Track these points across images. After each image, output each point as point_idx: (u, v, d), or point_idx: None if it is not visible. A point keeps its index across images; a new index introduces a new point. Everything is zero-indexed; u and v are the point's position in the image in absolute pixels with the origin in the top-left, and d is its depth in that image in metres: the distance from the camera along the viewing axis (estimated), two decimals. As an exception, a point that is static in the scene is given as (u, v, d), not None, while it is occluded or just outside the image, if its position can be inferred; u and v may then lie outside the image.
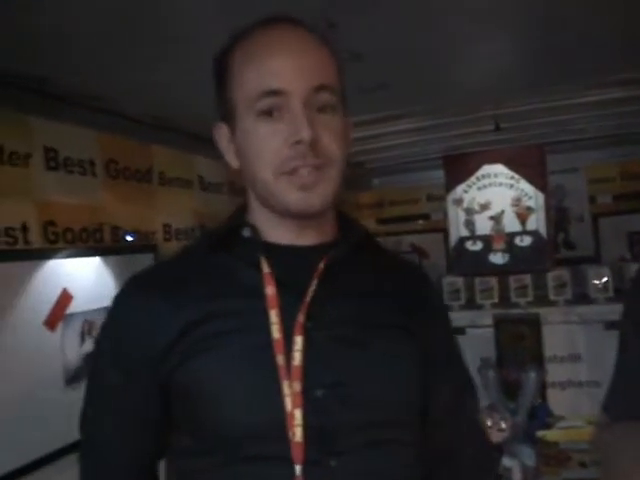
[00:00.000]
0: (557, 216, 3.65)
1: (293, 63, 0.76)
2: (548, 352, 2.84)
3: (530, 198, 2.91)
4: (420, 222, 4.38)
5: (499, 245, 2.97)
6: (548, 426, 2.30)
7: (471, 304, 3.78)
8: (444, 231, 4.18)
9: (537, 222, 2.90)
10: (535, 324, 2.72)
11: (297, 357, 0.74)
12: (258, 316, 0.76)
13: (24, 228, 1.64)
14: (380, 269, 0.87)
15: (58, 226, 1.76)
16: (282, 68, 0.76)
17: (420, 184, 4.30)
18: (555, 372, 3.28)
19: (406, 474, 0.80)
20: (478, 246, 3.03)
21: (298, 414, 0.72)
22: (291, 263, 0.80)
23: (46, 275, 1.68)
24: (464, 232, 3.05)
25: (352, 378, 0.76)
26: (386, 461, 0.78)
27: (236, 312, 0.77)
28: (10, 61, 1.45)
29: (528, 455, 1.71)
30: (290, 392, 0.73)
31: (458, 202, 3.05)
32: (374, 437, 0.77)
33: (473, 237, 3.03)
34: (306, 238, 0.81)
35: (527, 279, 3.53)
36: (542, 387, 2.48)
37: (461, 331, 3.70)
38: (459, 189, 3.04)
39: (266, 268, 0.78)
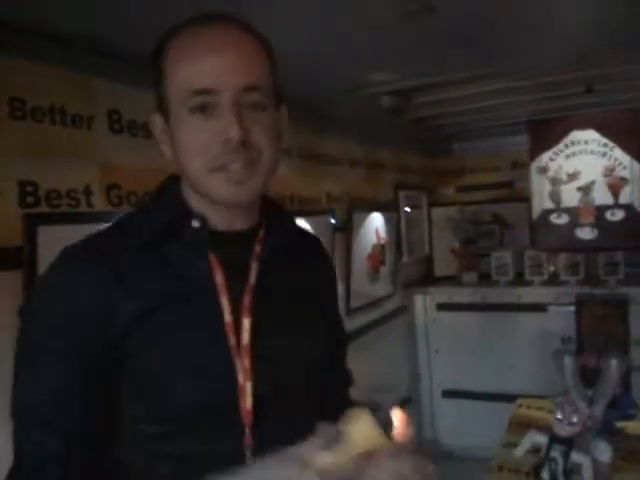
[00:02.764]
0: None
1: (223, 62, 0.80)
2: (634, 335, 2.61)
3: (625, 168, 2.63)
4: (503, 190, 4.14)
5: (587, 219, 2.73)
6: (630, 417, 2.12)
7: (554, 280, 3.57)
8: (529, 201, 3.94)
9: (631, 195, 2.63)
10: (622, 305, 2.50)
11: (245, 337, 0.85)
12: (210, 302, 0.85)
13: (87, 191, 1.65)
14: (297, 246, 0.98)
15: (122, 189, 1.77)
16: (212, 67, 0.80)
17: (504, 150, 4.05)
18: (641, 358, 3.04)
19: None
20: (564, 219, 2.80)
21: (249, 386, 0.84)
22: (231, 248, 0.88)
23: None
24: (548, 204, 2.83)
25: (289, 352, 0.89)
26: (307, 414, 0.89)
27: (189, 300, 0.84)
28: (66, 21, 1.43)
29: (602, 450, 1.57)
30: (241, 368, 0.84)
31: (543, 171, 2.82)
32: (301, 399, 0.91)
33: (558, 210, 2.80)
34: (239, 223, 0.90)
35: (618, 255, 3.27)
36: (627, 375, 2.29)
37: (542, 308, 3.51)
38: (544, 157, 2.81)
39: (214, 257, 0.86)
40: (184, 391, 0.81)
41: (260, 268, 0.89)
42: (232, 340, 0.84)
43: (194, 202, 0.88)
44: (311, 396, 0.94)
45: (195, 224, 0.85)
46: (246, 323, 0.86)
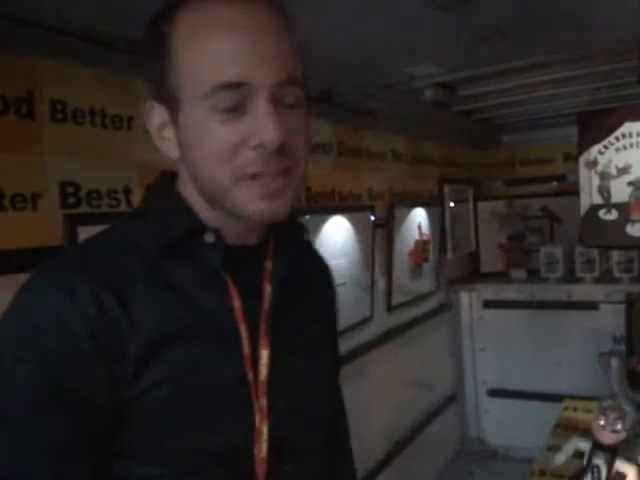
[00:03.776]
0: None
1: (257, 47, 0.63)
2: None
3: (679, 161, 2.50)
4: (554, 184, 3.99)
5: (638, 215, 2.60)
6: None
7: (607, 277, 3.44)
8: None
9: (685, 190, 2.50)
10: (677, 306, 2.38)
11: (263, 371, 0.73)
12: (227, 332, 0.72)
13: (127, 190, 1.68)
14: (306, 264, 0.88)
15: (161, 188, 1.79)
16: (243, 52, 0.63)
17: (555, 142, 3.89)
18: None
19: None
20: (613, 215, 2.68)
21: (265, 430, 0.72)
22: (245, 267, 0.75)
23: (147, 237, 1.73)
24: (597, 199, 2.71)
25: (305, 388, 0.80)
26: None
27: (204, 330, 0.71)
28: (103, 22, 1.45)
29: (650, 459, 1.50)
30: (258, 408, 0.72)
31: (591, 165, 2.71)
32: (317, 439, 0.84)
33: (608, 205, 2.69)
34: (255, 237, 0.78)
35: (676, 252, 3.12)
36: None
37: (593, 306, 3.40)
38: (593, 150, 2.69)
39: (229, 279, 0.73)
40: (199, 439, 0.69)
41: (274, 289, 0.76)
42: (250, 376, 0.72)
43: (200, 209, 0.74)
44: (325, 431, 0.87)
45: (209, 239, 0.72)
46: (264, 355, 0.73)
